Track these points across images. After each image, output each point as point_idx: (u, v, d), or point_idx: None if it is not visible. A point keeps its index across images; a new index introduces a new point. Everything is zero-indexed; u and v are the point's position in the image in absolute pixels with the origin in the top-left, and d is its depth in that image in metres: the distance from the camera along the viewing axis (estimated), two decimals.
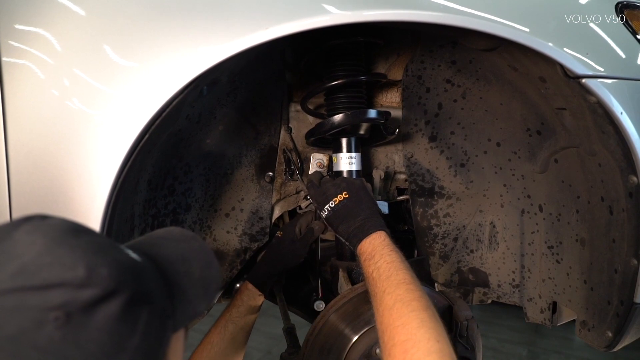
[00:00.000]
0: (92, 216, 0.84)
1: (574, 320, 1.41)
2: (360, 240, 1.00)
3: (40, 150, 0.84)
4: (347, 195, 1.08)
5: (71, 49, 0.84)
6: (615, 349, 1.17)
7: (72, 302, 0.45)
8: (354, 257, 1.27)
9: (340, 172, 1.30)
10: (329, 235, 1.51)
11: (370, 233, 1.00)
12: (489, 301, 1.59)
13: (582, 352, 4.00)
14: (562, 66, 0.91)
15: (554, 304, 1.39)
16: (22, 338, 0.43)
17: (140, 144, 0.85)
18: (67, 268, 0.46)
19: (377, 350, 1.06)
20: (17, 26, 0.84)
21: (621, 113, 0.92)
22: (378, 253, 0.95)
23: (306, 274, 1.52)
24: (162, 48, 0.84)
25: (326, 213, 1.09)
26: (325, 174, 1.44)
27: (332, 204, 1.08)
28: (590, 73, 0.90)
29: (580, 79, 0.91)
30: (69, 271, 0.46)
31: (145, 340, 0.49)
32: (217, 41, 0.84)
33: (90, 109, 0.83)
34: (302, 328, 1.35)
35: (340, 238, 1.08)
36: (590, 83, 0.91)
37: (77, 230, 0.52)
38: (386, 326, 0.80)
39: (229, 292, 1.57)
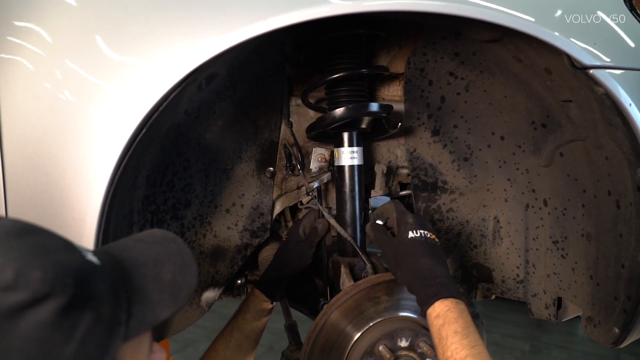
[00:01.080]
0: (89, 213, 0.82)
1: (577, 315, 1.40)
2: (452, 296, 0.87)
3: (35, 144, 0.82)
4: (437, 241, 1.00)
5: (63, 41, 0.82)
6: (622, 345, 1.15)
7: None
8: (356, 253, 1.26)
9: (342, 167, 1.28)
10: (335, 231, 1.49)
11: (459, 297, 0.88)
12: (493, 297, 1.57)
13: (585, 347, 3.99)
14: (568, 56, 0.88)
15: (559, 299, 1.38)
16: None
17: (138, 139, 0.83)
18: None
19: (380, 347, 1.04)
20: (7, 18, 0.82)
21: (630, 104, 0.89)
22: (473, 334, 0.81)
23: (309, 273, 1.51)
24: (159, 41, 0.82)
25: (416, 235, 0.98)
26: (327, 168, 1.42)
27: (427, 234, 0.99)
28: (598, 63, 0.88)
29: (587, 70, 0.88)
30: None
31: (84, 349, 0.46)
32: (215, 33, 0.82)
33: (86, 102, 0.81)
34: (304, 324, 1.34)
35: (415, 272, 0.94)
36: (598, 74, 0.88)
37: (25, 231, 0.50)
38: None
39: (230, 289, 1.56)
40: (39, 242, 0.49)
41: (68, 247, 0.52)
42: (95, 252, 0.55)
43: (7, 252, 0.45)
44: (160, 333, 1.32)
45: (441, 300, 0.86)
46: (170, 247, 0.63)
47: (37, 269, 0.45)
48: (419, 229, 0.99)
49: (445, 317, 0.84)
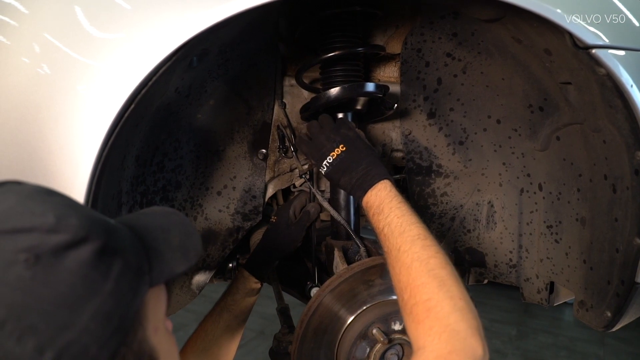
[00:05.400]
0: (75, 191, 0.79)
1: (564, 301, 1.40)
2: (365, 191, 0.97)
3: (17, 120, 0.78)
4: (344, 149, 1.04)
5: (40, 12, 0.77)
6: (614, 329, 1.16)
7: (41, 246, 0.47)
8: (349, 236, 1.24)
9: None
10: (324, 215, 1.48)
11: (375, 183, 0.97)
12: (485, 281, 1.57)
13: (571, 332, 4.06)
14: (571, 35, 0.86)
15: (552, 284, 1.38)
16: None
17: (126, 115, 0.80)
18: (37, 216, 0.48)
19: (374, 331, 1.04)
20: None
21: (631, 86, 0.88)
22: (387, 206, 0.93)
23: (300, 255, 1.49)
24: (146, 12, 0.79)
25: (325, 169, 1.05)
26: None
27: (330, 159, 1.04)
28: (601, 43, 0.86)
29: (589, 50, 0.86)
30: (39, 218, 0.48)
31: (119, 288, 0.51)
32: (206, 5, 0.78)
33: (69, 77, 0.78)
34: (296, 308, 1.33)
35: (345, 191, 1.08)
36: (600, 54, 0.86)
37: (50, 192, 0.55)
38: (405, 285, 0.81)
39: (221, 272, 1.54)
40: (67, 199, 0.55)
41: (88, 207, 0.58)
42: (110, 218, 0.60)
43: (44, 204, 0.51)
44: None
45: (363, 200, 0.98)
46: (172, 218, 0.67)
47: (73, 217, 0.50)
48: (321, 162, 1.06)
49: (370, 209, 0.97)
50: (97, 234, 0.51)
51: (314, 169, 1.37)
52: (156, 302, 0.59)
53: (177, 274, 0.60)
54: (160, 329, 0.59)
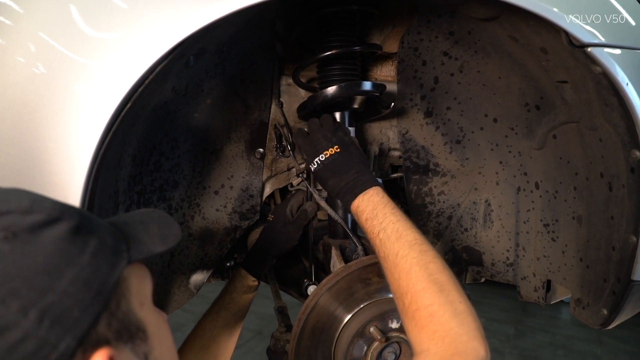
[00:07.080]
0: (72, 190, 0.79)
1: (561, 300, 1.41)
2: (356, 195, 0.98)
3: (13, 120, 0.78)
4: (338, 150, 1.04)
5: (35, 11, 0.77)
6: (610, 327, 1.16)
7: (18, 224, 0.51)
8: (346, 235, 1.24)
9: None
10: (321, 215, 1.48)
11: (367, 188, 0.98)
12: (482, 280, 1.58)
13: (568, 330, 4.08)
14: (567, 33, 0.87)
15: (548, 282, 1.38)
16: None
17: (122, 114, 0.80)
18: (13, 202, 0.53)
19: (371, 329, 1.04)
20: None
21: (627, 84, 0.88)
22: (381, 211, 0.93)
23: (297, 254, 1.49)
24: (143, 10, 0.78)
25: (315, 166, 1.06)
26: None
27: (322, 157, 1.04)
28: (597, 42, 0.86)
29: (585, 48, 0.87)
30: (14, 203, 0.53)
31: (96, 260, 0.54)
32: (203, 3, 0.78)
33: (65, 75, 0.77)
34: (293, 308, 1.33)
35: (330, 193, 1.07)
36: (596, 52, 0.87)
37: (25, 189, 0.58)
38: (405, 290, 0.82)
39: (219, 272, 1.54)
40: (41, 194, 0.58)
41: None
42: None
43: (19, 193, 0.55)
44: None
45: (353, 203, 0.99)
46: (151, 214, 0.69)
47: (47, 202, 0.54)
48: (313, 159, 1.06)
49: (362, 213, 0.97)
50: (71, 216, 0.54)
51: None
52: (140, 280, 0.62)
53: (155, 253, 0.62)
54: (147, 305, 0.62)
